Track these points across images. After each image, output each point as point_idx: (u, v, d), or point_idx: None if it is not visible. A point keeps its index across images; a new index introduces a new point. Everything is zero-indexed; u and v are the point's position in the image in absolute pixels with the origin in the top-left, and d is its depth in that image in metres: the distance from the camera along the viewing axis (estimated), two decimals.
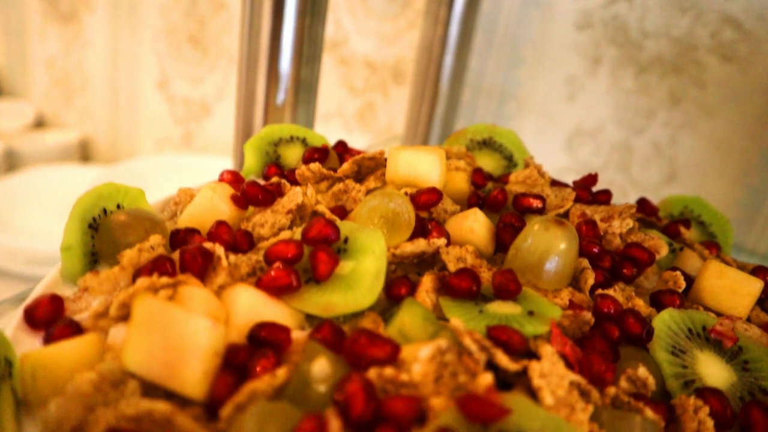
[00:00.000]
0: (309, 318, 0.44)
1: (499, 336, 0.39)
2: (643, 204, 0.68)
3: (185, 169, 1.67)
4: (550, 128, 1.38)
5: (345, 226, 0.48)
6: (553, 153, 1.38)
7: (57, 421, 0.34)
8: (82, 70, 1.93)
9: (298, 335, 0.40)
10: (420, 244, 0.48)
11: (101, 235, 0.50)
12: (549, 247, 0.48)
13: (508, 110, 1.41)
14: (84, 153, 2.02)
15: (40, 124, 2.06)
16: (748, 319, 0.53)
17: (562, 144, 1.38)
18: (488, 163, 0.75)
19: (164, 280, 0.40)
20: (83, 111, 1.98)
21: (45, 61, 1.98)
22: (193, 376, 0.34)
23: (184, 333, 0.34)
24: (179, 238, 0.49)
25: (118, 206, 0.53)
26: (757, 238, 1.20)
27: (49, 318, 0.42)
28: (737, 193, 1.23)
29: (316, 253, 0.44)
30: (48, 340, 0.40)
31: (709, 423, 0.39)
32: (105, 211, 0.52)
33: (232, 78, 1.75)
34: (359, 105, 1.60)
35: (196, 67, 1.77)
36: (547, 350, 0.39)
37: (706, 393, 0.42)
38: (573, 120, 1.35)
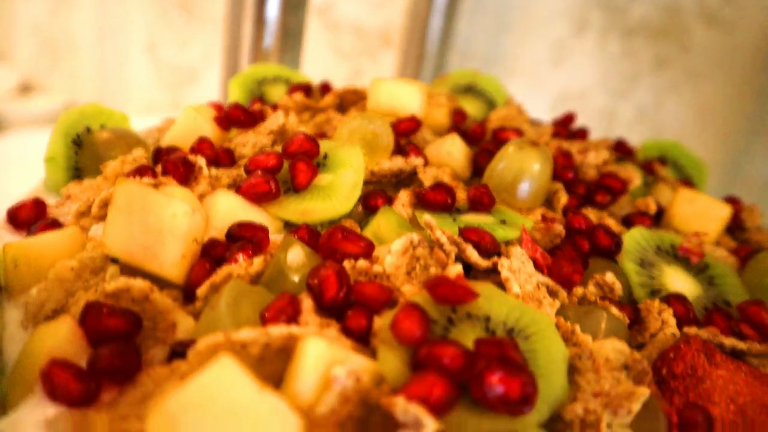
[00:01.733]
0: (287, 227, 0.45)
1: (470, 236, 0.40)
2: (620, 145, 0.69)
3: None
4: (535, 93, 1.39)
5: (325, 144, 0.49)
6: (538, 117, 1.39)
7: (38, 304, 0.35)
8: (68, 34, 1.91)
9: (275, 238, 0.41)
10: (397, 162, 0.49)
11: (85, 151, 0.51)
12: (523, 166, 0.49)
13: (494, 75, 1.41)
14: None
15: (25, 88, 2.04)
16: (717, 245, 0.55)
17: (548, 108, 1.38)
18: (471, 108, 0.76)
19: (146, 180, 0.41)
20: (69, 75, 1.96)
21: (31, 24, 1.96)
22: (172, 257, 0.35)
23: (163, 216, 0.35)
24: (162, 153, 0.49)
25: (102, 127, 0.53)
26: None
27: (31, 219, 0.43)
28: (719, 157, 1.25)
29: (296, 163, 0.45)
30: (30, 235, 0.41)
31: (672, 321, 0.41)
32: (88, 129, 0.52)
33: (220, 43, 1.73)
34: (347, 70, 1.60)
35: (184, 31, 1.76)
36: (517, 251, 0.40)
37: (671, 298, 0.43)
38: (558, 84, 1.36)
